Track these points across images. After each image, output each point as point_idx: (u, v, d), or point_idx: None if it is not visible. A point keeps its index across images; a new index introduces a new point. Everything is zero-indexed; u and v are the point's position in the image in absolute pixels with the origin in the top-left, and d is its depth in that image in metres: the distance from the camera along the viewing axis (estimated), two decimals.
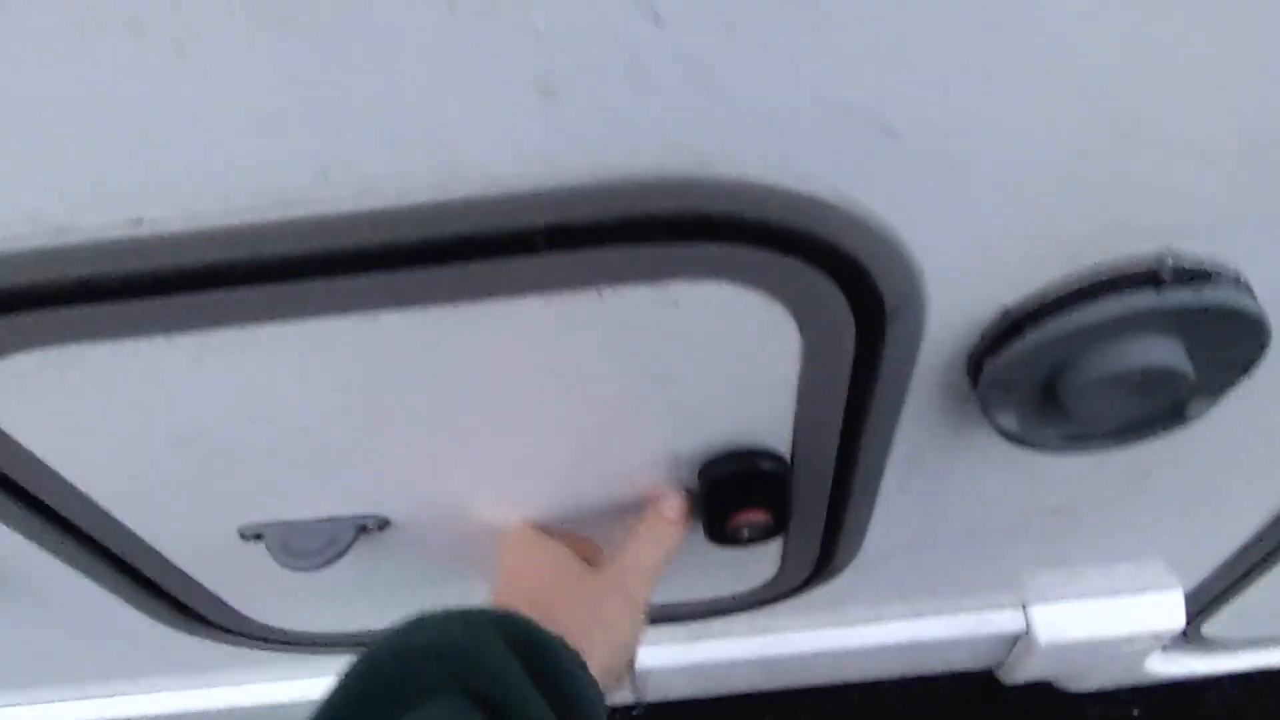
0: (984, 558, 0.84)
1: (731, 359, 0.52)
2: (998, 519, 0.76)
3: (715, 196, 0.42)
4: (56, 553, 0.69)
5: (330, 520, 0.66)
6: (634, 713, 1.28)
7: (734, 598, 0.86)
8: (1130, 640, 0.96)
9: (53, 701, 1.04)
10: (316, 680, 1.00)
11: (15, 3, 0.32)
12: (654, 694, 1.14)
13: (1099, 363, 0.50)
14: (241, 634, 0.87)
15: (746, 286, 0.46)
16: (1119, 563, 0.88)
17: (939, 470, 0.67)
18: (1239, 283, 0.48)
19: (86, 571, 0.72)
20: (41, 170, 0.39)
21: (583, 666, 0.53)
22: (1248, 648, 1.14)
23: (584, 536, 0.68)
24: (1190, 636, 1.08)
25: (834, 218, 0.43)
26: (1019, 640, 0.99)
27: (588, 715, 0.51)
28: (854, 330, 0.50)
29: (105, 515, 0.65)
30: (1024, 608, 0.96)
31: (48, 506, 0.63)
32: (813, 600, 0.90)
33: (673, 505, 0.65)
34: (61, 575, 0.73)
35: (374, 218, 0.41)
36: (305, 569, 0.65)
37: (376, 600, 0.81)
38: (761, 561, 0.79)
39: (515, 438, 0.58)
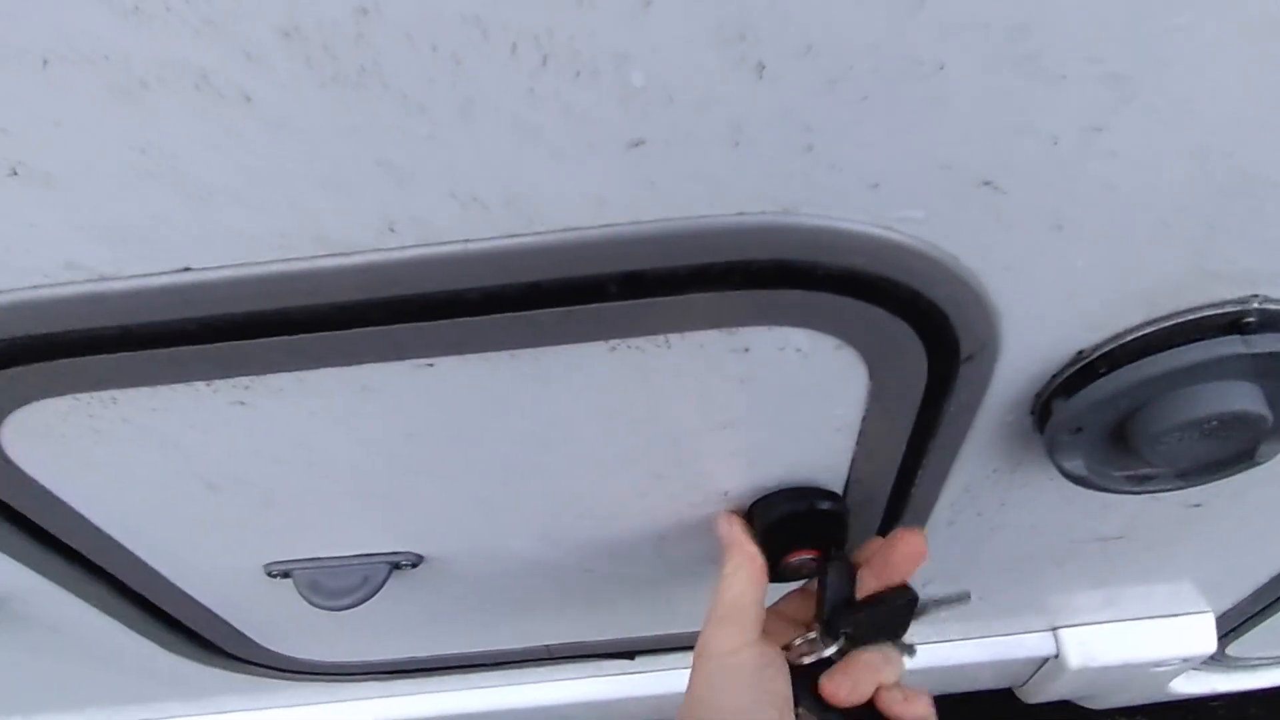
0: (1024, 585, 0.83)
1: (797, 404, 0.50)
2: (1045, 548, 0.75)
3: (798, 243, 0.39)
4: (74, 590, 0.66)
5: (362, 557, 0.64)
6: None
7: None
8: (1159, 663, 0.94)
9: None
10: (331, 706, 0.98)
11: (83, 55, 0.30)
12: None
13: (1177, 408, 0.48)
14: (261, 665, 0.84)
15: (822, 332, 0.44)
16: (1156, 586, 0.87)
17: (992, 505, 0.65)
18: None
19: (105, 608, 0.70)
20: (90, 218, 0.36)
21: None
22: (1270, 665, 1.13)
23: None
24: (1215, 656, 1.07)
25: (920, 265, 0.41)
26: (1046, 661, 0.98)
27: None
28: (926, 375, 0.48)
29: (127, 553, 0.62)
30: (1054, 630, 0.94)
31: (69, 547, 0.60)
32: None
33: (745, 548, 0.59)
34: (78, 609, 0.70)
35: (436, 265, 0.39)
36: (337, 609, 0.63)
37: (406, 632, 0.79)
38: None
39: (565, 478, 0.56)
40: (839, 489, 0.59)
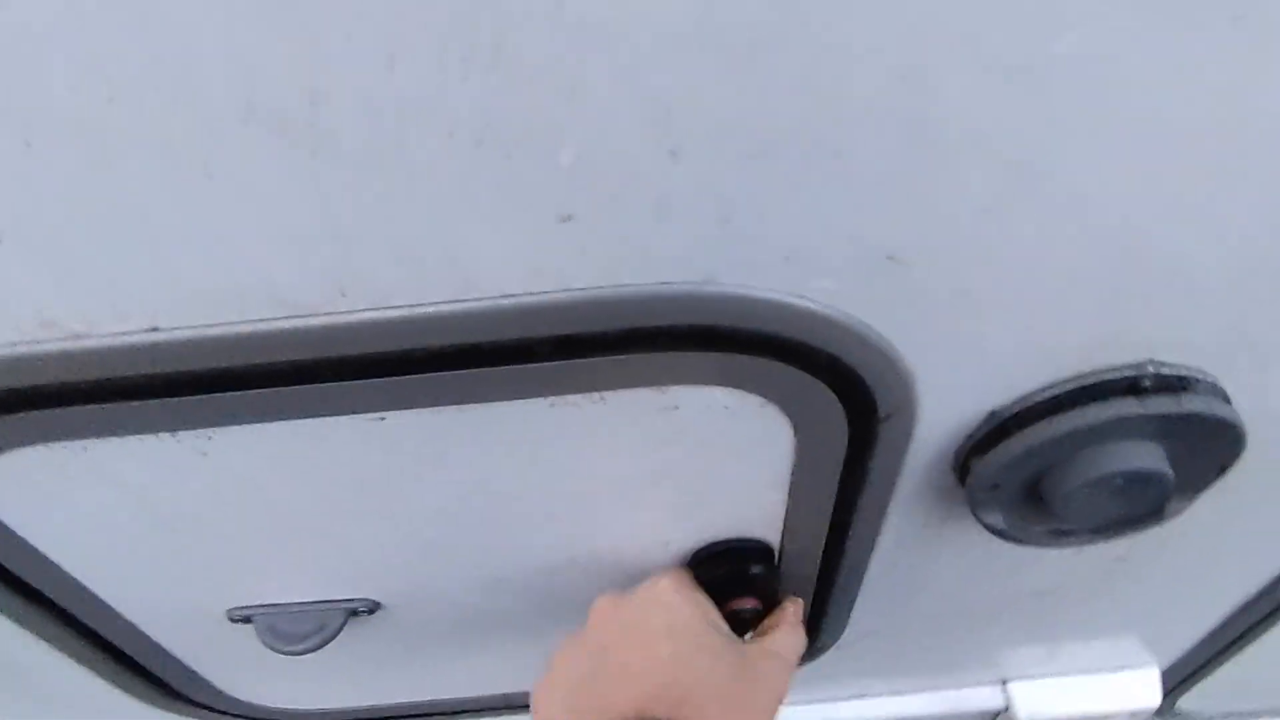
0: (965, 637, 0.85)
1: (727, 458, 0.53)
2: (980, 602, 0.77)
3: (720, 310, 0.43)
4: (35, 630, 0.68)
5: (320, 604, 0.66)
6: None
7: None
8: (1107, 718, 0.97)
9: None
10: None
11: (50, 122, 0.33)
12: None
13: (1083, 467, 0.52)
14: (224, 712, 0.85)
15: (746, 391, 0.48)
16: (1097, 640, 0.90)
17: (924, 558, 0.68)
18: (1216, 390, 0.50)
19: (66, 650, 0.71)
20: (66, 280, 0.39)
21: None
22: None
23: None
24: (1164, 711, 1.09)
25: (834, 332, 0.44)
26: (998, 716, 1.00)
27: None
28: (847, 433, 0.51)
29: (92, 597, 0.65)
30: (1004, 684, 0.96)
31: (34, 590, 0.63)
32: (794, 677, 0.90)
33: (798, 611, 0.65)
34: (37, 648, 0.72)
35: (386, 327, 0.42)
36: (294, 653, 0.65)
37: (363, 679, 0.80)
38: None
39: (512, 528, 0.59)
40: (775, 541, 0.62)
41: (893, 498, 0.59)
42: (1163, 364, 0.50)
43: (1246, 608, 0.82)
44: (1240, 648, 0.92)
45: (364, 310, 0.41)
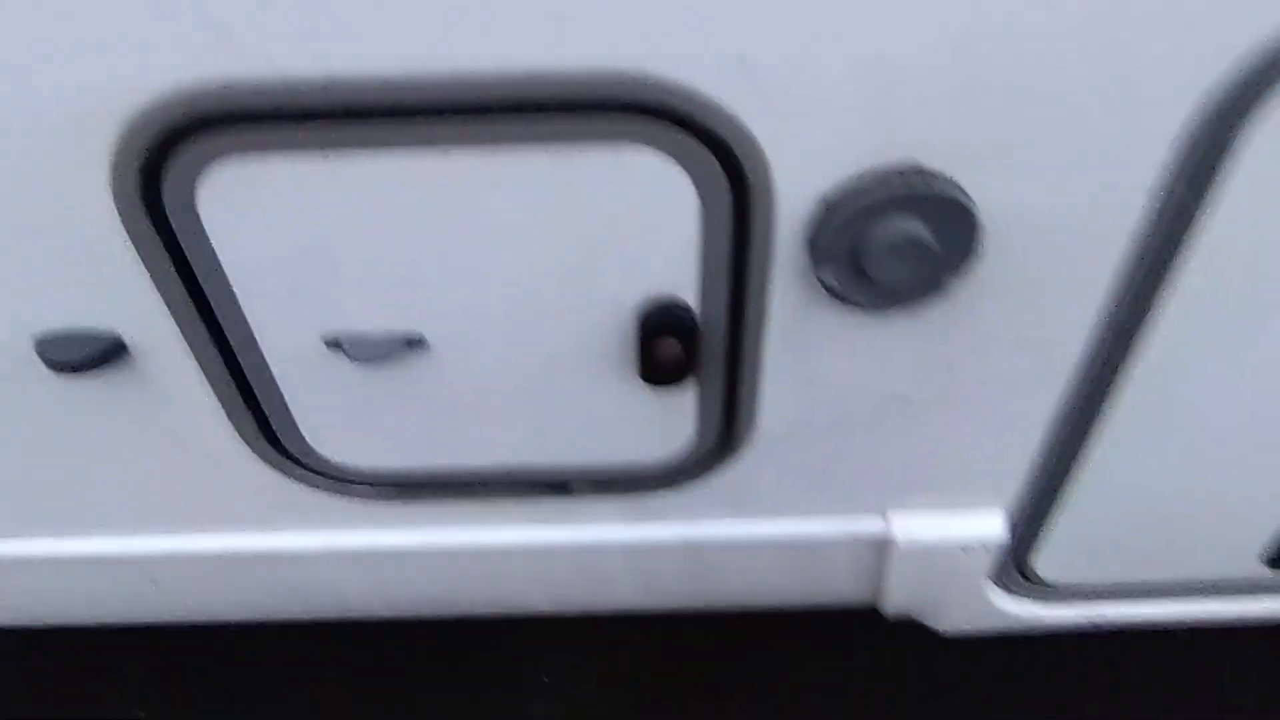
0: (850, 447, 1.14)
1: (657, 216, 0.85)
2: (854, 405, 1.07)
3: (647, 87, 0.75)
4: (195, 350, 1.00)
5: (386, 334, 0.98)
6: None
7: (662, 466, 1.16)
8: (965, 547, 1.25)
9: (114, 536, 1.32)
10: (342, 533, 1.29)
11: None
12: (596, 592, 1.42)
13: (876, 234, 0.83)
14: (301, 464, 1.16)
15: (664, 155, 0.80)
16: (954, 480, 1.18)
17: (805, 348, 0.99)
18: (956, 184, 0.81)
19: (211, 377, 1.03)
20: (288, 30, 0.73)
21: None
22: (1081, 598, 1.42)
23: None
24: (1027, 574, 1.37)
25: (715, 115, 0.77)
26: (883, 543, 1.28)
27: None
28: (730, 198, 0.83)
29: (243, 321, 0.97)
30: (884, 515, 1.25)
31: (208, 307, 0.95)
32: (722, 486, 1.20)
33: None
34: (189, 378, 1.04)
35: (464, 81, 0.75)
36: (366, 361, 0.97)
37: (413, 433, 1.11)
38: (681, 423, 1.09)
39: (516, 271, 0.91)
40: (694, 303, 0.93)
41: (772, 278, 0.90)
42: (921, 166, 0.81)
43: (1056, 438, 1.11)
44: (1062, 495, 1.20)
45: (447, 73, 0.74)
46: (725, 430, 1.10)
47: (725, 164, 0.81)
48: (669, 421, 1.09)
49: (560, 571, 1.35)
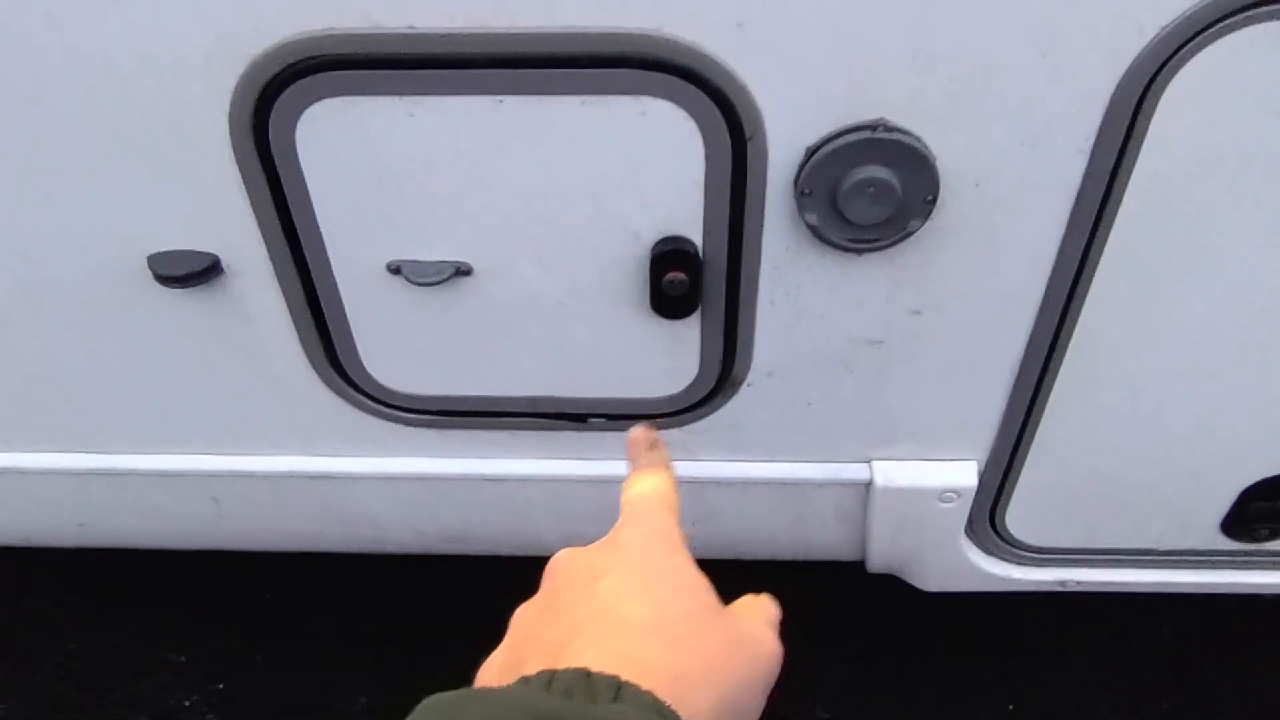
0: (835, 400, 1.30)
1: (668, 159, 1.03)
2: (835, 346, 1.23)
3: (663, 46, 0.94)
4: (279, 270, 1.19)
5: (438, 262, 1.16)
6: None
7: (669, 400, 1.32)
8: (940, 495, 1.39)
9: (187, 455, 1.50)
10: (384, 460, 1.47)
11: None
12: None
13: (850, 175, 1.00)
14: (355, 386, 1.34)
15: (676, 105, 0.98)
16: (928, 432, 1.34)
17: (793, 287, 1.15)
18: (917, 138, 0.99)
19: (289, 297, 1.22)
20: None
21: None
22: (1052, 562, 1.55)
23: None
24: (1000, 532, 1.51)
25: (718, 70, 0.95)
26: (868, 495, 1.43)
27: None
28: (730, 145, 1.01)
29: (321, 247, 1.15)
30: (869, 463, 1.40)
31: (293, 231, 1.14)
32: (722, 424, 1.36)
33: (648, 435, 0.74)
34: (269, 299, 1.22)
35: (527, 36, 0.94)
36: (422, 284, 1.15)
37: (454, 358, 1.29)
38: (687, 358, 1.26)
39: (552, 211, 1.09)
40: (699, 240, 1.10)
41: (766, 216, 1.08)
42: (888, 122, 0.98)
43: (1019, 385, 1.26)
44: (1025, 449, 1.35)
45: (538, 17, 0.93)
46: (725, 364, 1.27)
47: (726, 115, 0.99)
48: (676, 356, 1.26)
49: (575, 504, 1.51)
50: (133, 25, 0.96)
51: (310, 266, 1.19)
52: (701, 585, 0.56)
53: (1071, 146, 1.00)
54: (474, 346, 1.27)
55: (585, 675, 0.43)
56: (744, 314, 1.20)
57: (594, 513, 1.52)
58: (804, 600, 1.66)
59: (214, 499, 1.57)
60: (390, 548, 1.69)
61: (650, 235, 1.11)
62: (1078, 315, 1.16)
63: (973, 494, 1.40)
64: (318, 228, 1.14)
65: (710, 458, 1.42)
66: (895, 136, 0.98)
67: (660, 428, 1.35)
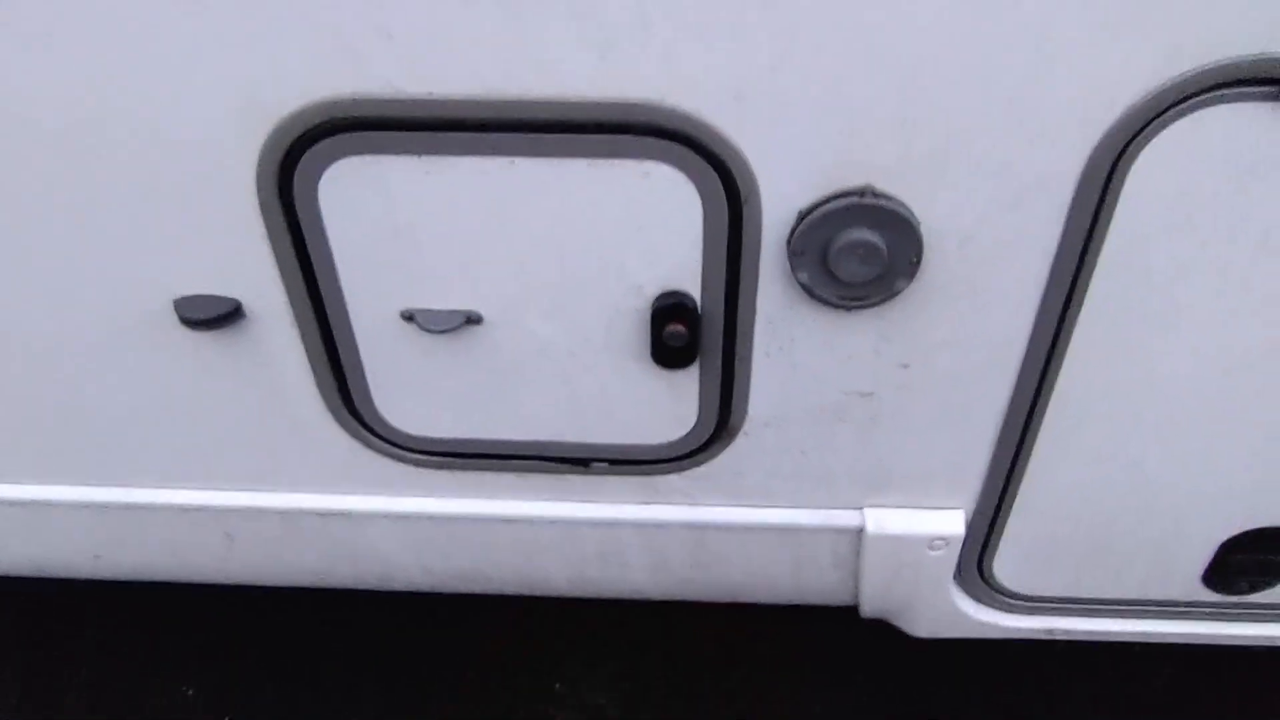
0: (828, 448, 1.35)
1: (670, 219, 1.09)
2: (826, 400, 1.28)
3: (666, 115, 1.01)
4: (297, 315, 1.25)
5: (450, 310, 1.22)
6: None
7: (669, 448, 1.37)
8: (929, 542, 1.44)
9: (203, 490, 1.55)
10: (393, 498, 1.52)
11: None
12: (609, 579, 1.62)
13: (840, 237, 1.06)
14: (367, 427, 1.40)
15: (677, 169, 1.04)
16: (917, 481, 1.39)
17: (786, 340, 1.21)
18: (902, 203, 1.05)
19: (306, 340, 1.28)
20: (408, 58, 0.99)
21: None
22: (1038, 610, 1.59)
23: None
24: (987, 579, 1.55)
25: (717, 137, 1.01)
26: (860, 541, 1.47)
27: None
28: (727, 207, 1.07)
29: (340, 297, 1.22)
30: (861, 509, 1.45)
31: (312, 279, 1.20)
32: (720, 471, 1.41)
33: None
34: (286, 341, 1.28)
35: (539, 103, 1.01)
36: (434, 332, 1.21)
37: (463, 402, 1.34)
38: (686, 407, 1.31)
39: (559, 264, 1.15)
40: (697, 295, 1.17)
41: (760, 273, 1.14)
42: (875, 187, 1.05)
43: (1005, 436, 1.31)
44: (1009, 502, 1.39)
45: (514, 95, 1.00)
46: (722, 413, 1.32)
47: (724, 179, 1.05)
48: (675, 405, 1.31)
49: (581, 546, 1.56)
50: (170, 85, 1.03)
51: (328, 312, 1.25)
52: None
53: (1049, 210, 1.06)
54: (483, 391, 1.33)
55: None
56: (740, 366, 1.25)
57: (599, 555, 1.57)
58: (797, 644, 1.68)
59: (228, 534, 1.62)
60: (399, 585, 1.73)
61: (651, 289, 1.17)
62: (1059, 369, 1.22)
63: (961, 542, 1.44)
64: (336, 276, 1.20)
65: (711, 503, 1.47)
66: (881, 202, 1.04)
67: (661, 473, 1.41)
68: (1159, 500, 1.40)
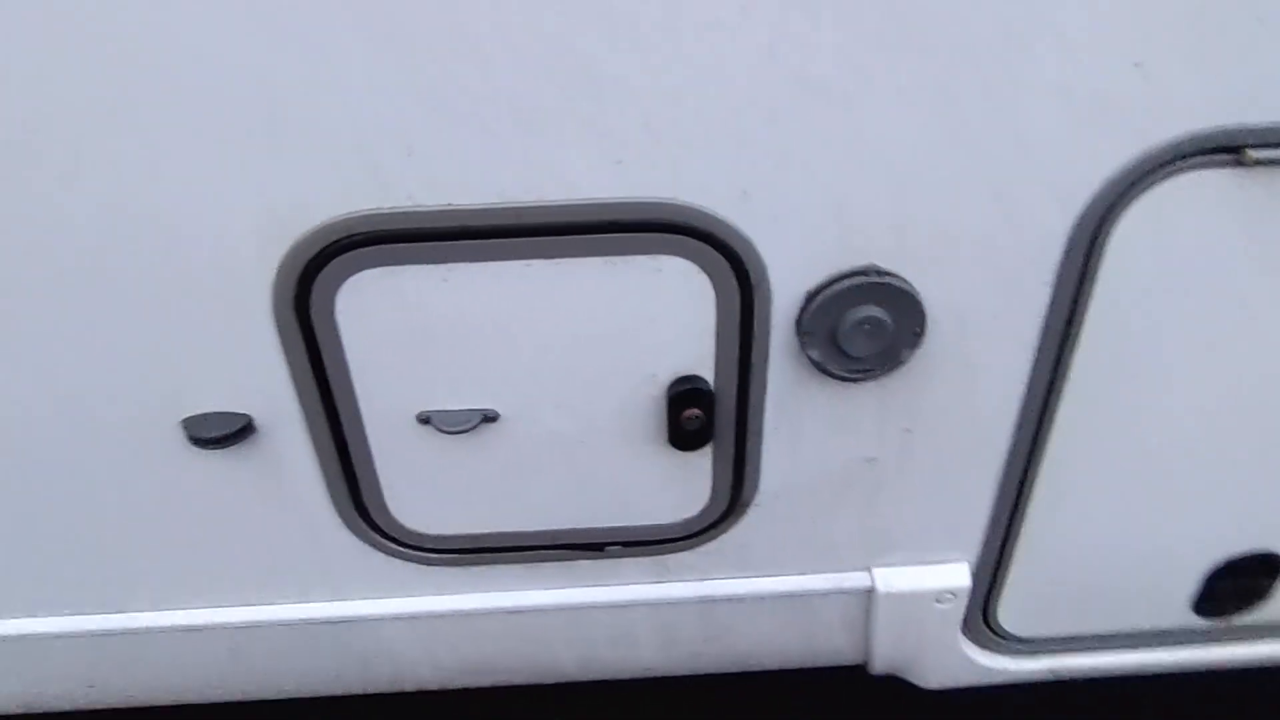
0: (836, 514, 1.39)
1: (683, 307, 1.13)
2: (833, 467, 1.33)
3: (679, 211, 1.05)
4: (309, 422, 1.25)
5: (466, 410, 1.24)
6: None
7: (683, 526, 1.40)
8: (937, 596, 1.48)
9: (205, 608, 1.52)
10: (406, 599, 1.51)
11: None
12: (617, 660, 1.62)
13: (848, 315, 1.12)
14: (379, 530, 1.39)
15: (690, 261, 1.09)
16: (922, 539, 1.43)
17: (794, 415, 1.25)
18: (905, 280, 1.11)
19: (319, 448, 1.28)
20: (414, 174, 1.02)
21: None
22: (1042, 651, 1.64)
23: None
24: (993, 627, 1.59)
25: (727, 230, 1.06)
26: (869, 601, 1.50)
27: None
28: (738, 294, 1.12)
29: (354, 404, 1.23)
30: (869, 570, 1.49)
31: (327, 388, 1.21)
32: (732, 545, 1.43)
33: None
34: (298, 451, 1.28)
35: (555, 208, 1.05)
36: (451, 432, 1.22)
37: (480, 498, 1.35)
38: (700, 486, 1.34)
39: (575, 363, 1.18)
40: (711, 378, 1.20)
41: (770, 354, 1.18)
42: (878, 265, 1.11)
43: (1004, 492, 1.37)
44: (1011, 550, 1.45)
45: (529, 201, 1.04)
46: (734, 489, 1.35)
47: (735, 268, 1.10)
48: (689, 484, 1.34)
49: (592, 630, 1.56)
50: (191, 200, 1.04)
51: (342, 420, 1.25)
52: None
53: (1037, 281, 1.13)
54: (497, 486, 1.34)
55: None
56: (751, 442, 1.29)
57: (610, 638, 1.58)
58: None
59: (231, 650, 1.58)
60: (408, 685, 1.70)
61: (666, 376, 1.21)
62: (1051, 426, 1.28)
63: (967, 593, 1.49)
64: (351, 385, 1.21)
65: (721, 576, 1.49)
66: (885, 280, 1.10)
67: (672, 552, 1.44)
68: (1147, 539, 1.46)
